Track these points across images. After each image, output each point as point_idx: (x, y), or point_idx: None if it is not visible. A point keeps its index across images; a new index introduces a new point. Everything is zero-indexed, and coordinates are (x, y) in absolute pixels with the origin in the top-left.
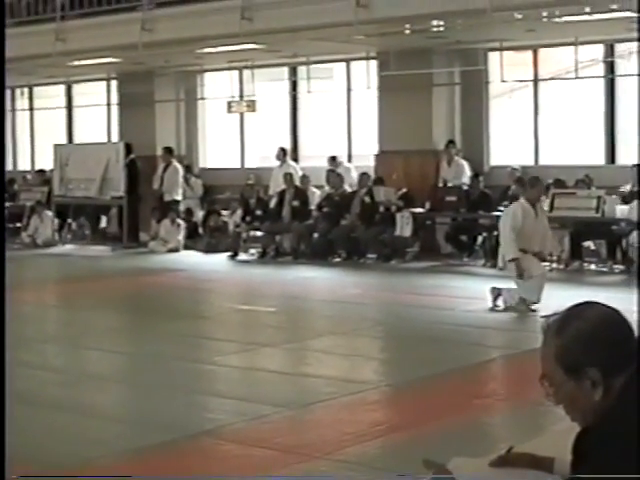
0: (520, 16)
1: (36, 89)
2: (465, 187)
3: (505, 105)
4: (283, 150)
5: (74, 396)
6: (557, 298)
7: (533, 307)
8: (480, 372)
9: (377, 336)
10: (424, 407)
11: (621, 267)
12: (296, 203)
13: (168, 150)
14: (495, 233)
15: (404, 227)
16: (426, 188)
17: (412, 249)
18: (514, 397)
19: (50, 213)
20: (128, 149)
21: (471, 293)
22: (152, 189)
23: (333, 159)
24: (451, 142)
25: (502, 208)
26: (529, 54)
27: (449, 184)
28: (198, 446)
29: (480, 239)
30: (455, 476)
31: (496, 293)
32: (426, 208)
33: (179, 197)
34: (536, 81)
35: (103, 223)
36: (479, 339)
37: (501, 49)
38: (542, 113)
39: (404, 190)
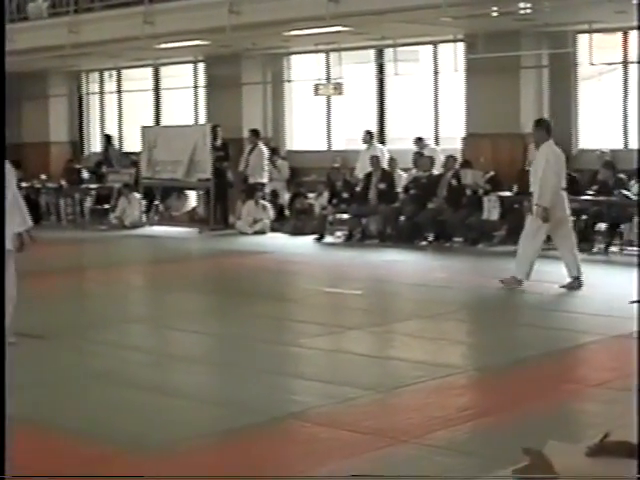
0: None
1: (124, 72)
2: None
3: (594, 88)
4: (370, 133)
5: (159, 377)
6: None
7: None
8: (569, 357)
9: (464, 320)
10: (512, 392)
11: None
12: (383, 186)
13: (254, 132)
14: (584, 217)
15: (491, 210)
16: (514, 171)
17: (499, 233)
18: (604, 383)
19: (138, 195)
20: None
21: (559, 277)
22: (237, 171)
23: (419, 140)
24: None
25: (591, 192)
26: (619, 36)
27: None
28: (285, 429)
29: None
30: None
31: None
32: (514, 191)
33: (264, 180)
34: (626, 64)
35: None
36: (567, 324)
37: (590, 31)
38: (631, 96)
39: (492, 173)
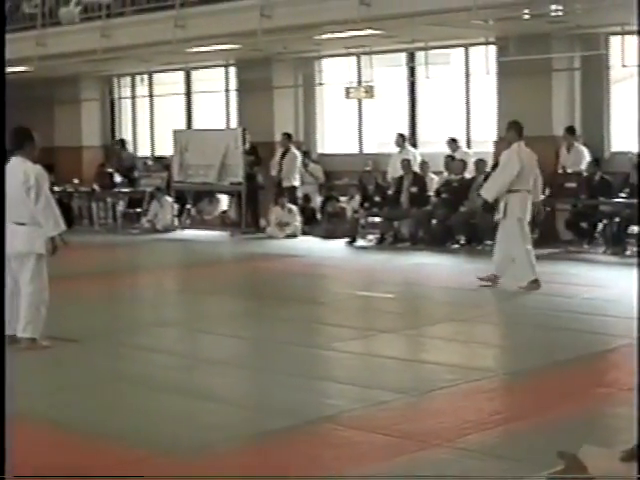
0: None
1: (156, 76)
2: (585, 173)
3: (626, 90)
4: (402, 136)
5: (193, 380)
6: None
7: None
8: (601, 361)
9: (496, 323)
10: (545, 396)
11: None
12: (414, 189)
13: (287, 136)
14: (616, 220)
15: None
16: (545, 174)
17: (531, 236)
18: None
19: (169, 199)
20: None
21: (591, 281)
22: (270, 175)
23: (453, 141)
24: (571, 128)
25: (623, 195)
26: None
27: (569, 170)
28: (318, 432)
29: (600, 226)
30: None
31: None
32: (545, 194)
33: (297, 183)
34: None
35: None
36: (600, 327)
37: (622, 33)
38: None
39: None
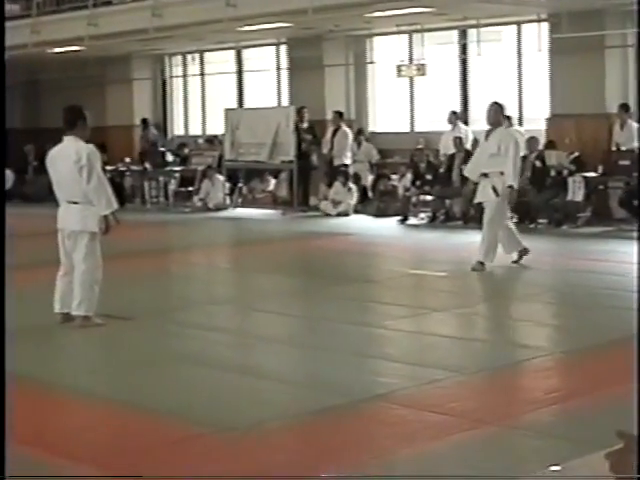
0: None
1: (207, 55)
2: (639, 151)
3: None
4: (455, 113)
5: (245, 358)
6: None
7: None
8: None
9: (549, 302)
10: (599, 374)
11: None
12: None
13: (339, 114)
14: None
15: (576, 192)
16: (598, 152)
17: (584, 214)
18: None
19: (221, 177)
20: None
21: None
22: (321, 153)
23: (507, 118)
24: (624, 105)
25: None
26: None
27: (622, 148)
28: (371, 410)
29: None
30: None
31: None
32: (599, 172)
33: (348, 161)
34: None
35: (271, 186)
36: None
37: None
38: None
39: (576, 154)
